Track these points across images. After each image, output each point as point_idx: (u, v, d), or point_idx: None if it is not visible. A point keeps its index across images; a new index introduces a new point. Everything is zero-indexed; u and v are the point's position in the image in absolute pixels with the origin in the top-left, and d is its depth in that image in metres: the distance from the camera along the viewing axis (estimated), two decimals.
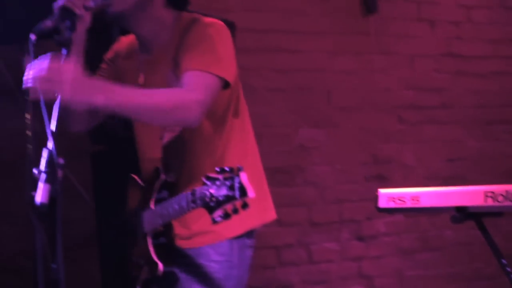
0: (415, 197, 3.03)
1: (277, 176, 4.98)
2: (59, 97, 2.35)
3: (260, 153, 5.00)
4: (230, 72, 2.71)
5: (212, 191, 2.25)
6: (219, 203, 2.24)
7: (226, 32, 2.75)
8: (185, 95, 2.56)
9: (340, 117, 5.38)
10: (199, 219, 2.62)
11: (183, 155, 2.75)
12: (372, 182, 5.41)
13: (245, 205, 2.24)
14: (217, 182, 2.24)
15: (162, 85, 2.70)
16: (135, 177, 2.87)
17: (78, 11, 2.53)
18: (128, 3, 2.69)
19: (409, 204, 3.03)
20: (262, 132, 5.28)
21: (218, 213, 2.25)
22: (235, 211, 2.24)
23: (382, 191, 3.08)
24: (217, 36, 2.71)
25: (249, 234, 2.86)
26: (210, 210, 2.27)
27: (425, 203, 3.04)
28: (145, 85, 2.78)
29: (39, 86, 2.36)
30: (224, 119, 2.78)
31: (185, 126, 2.67)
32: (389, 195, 3.06)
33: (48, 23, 2.50)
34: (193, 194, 2.36)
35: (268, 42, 5.18)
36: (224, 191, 2.23)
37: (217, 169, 2.25)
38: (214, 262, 2.77)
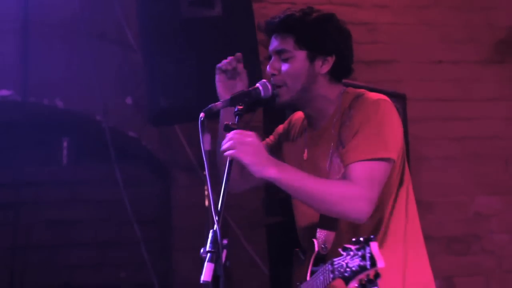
0: None
1: (452, 245, 4.90)
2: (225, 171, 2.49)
3: (434, 222, 4.98)
4: (396, 150, 2.70)
5: (347, 261, 2.26)
6: (354, 273, 2.24)
7: (390, 108, 2.74)
8: (353, 190, 2.60)
9: None
10: None
11: (343, 226, 2.74)
12: None
13: (377, 275, 2.22)
14: (351, 253, 2.25)
15: (323, 158, 2.76)
16: (298, 250, 2.91)
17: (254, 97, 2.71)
18: (294, 91, 2.77)
19: None
20: (437, 201, 5.27)
21: (353, 284, 2.25)
22: (370, 281, 2.22)
23: None
24: (382, 115, 2.70)
25: None
26: (346, 280, 2.27)
27: None
28: (307, 160, 2.84)
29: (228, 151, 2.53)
30: (389, 190, 2.76)
31: (351, 220, 2.66)
32: None
33: (218, 105, 2.68)
34: (332, 264, 2.38)
35: (440, 110, 5.18)
36: (357, 261, 2.23)
37: (353, 239, 2.26)
38: None
